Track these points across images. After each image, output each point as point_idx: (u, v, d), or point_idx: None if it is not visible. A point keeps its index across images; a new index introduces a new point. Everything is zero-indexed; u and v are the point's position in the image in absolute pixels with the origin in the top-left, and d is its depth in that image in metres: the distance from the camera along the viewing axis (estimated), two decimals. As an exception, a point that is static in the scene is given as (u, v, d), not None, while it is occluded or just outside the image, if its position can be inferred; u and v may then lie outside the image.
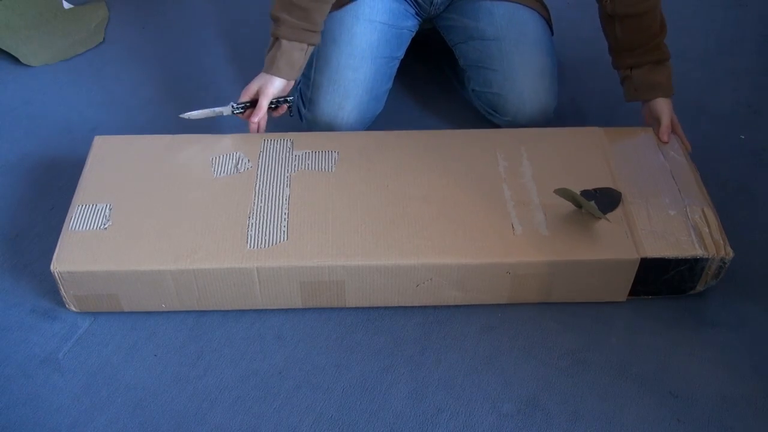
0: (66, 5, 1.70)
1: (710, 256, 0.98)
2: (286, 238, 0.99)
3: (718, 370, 0.97)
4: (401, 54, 1.30)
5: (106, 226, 1.01)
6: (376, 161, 1.10)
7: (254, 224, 1.01)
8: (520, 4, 1.26)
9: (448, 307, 1.04)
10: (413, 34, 1.32)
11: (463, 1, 1.29)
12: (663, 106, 1.15)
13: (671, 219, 1.02)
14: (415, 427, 0.91)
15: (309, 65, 1.23)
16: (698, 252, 0.98)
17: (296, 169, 1.09)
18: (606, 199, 1.04)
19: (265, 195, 1.05)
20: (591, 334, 1.01)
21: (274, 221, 1.01)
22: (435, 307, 1.04)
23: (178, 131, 1.18)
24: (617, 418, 0.91)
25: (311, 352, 0.99)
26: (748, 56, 1.53)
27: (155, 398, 0.94)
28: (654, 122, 1.17)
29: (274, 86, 1.13)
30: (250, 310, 1.04)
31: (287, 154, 1.11)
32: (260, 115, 1.13)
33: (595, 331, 1.02)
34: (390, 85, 1.28)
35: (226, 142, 1.14)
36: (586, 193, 1.04)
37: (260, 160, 1.10)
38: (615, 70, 1.20)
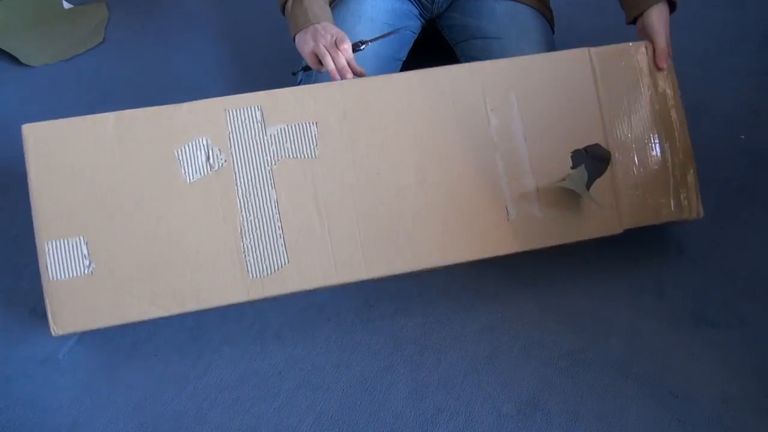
0: (66, 5, 1.70)
1: (684, 218, 1.07)
2: (287, 262, 0.96)
3: (718, 370, 0.97)
4: (403, 56, 1.30)
5: (90, 270, 0.93)
6: (360, 135, 1.00)
7: (250, 247, 0.96)
8: (522, 3, 1.26)
9: (448, 307, 1.04)
10: (416, 35, 1.32)
11: (465, 0, 1.29)
12: (655, 20, 1.06)
13: (654, 176, 1.07)
14: (415, 427, 0.91)
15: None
16: (674, 216, 1.06)
17: (276, 158, 0.98)
18: (596, 163, 1.04)
19: (251, 203, 0.96)
20: (591, 334, 1.01)
21: (269, 240, 0.96)
22: (435, 307, 1.04)
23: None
24: (617, 418, 0.91)
25: (311, 352, 0.99)
26: (748, 56, 1.53)
27: (155, 398, 0.94)
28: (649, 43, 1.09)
29: (334, 27, 1.07)
30: (250, 309, 1.04)
31: (260, 133, 0.98)
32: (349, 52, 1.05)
33: (595, 331, 1.02)
34: (391, 86, 1.28)
35: (181, 119, 0.97)
36: (576, 154, 1.04)
37: (232, 148, 0.97)
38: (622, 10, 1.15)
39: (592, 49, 1.07)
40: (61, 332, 0.92)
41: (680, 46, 1.49)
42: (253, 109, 0.98)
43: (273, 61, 1.54)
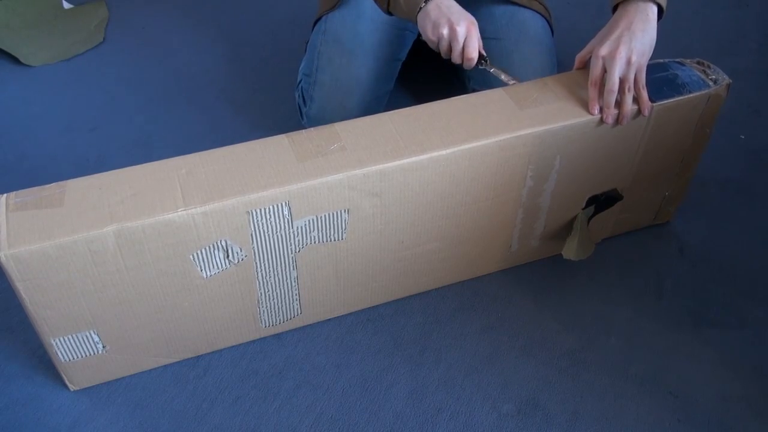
0: (66, 5, 1.70)
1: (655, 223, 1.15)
2: (299, 313, 0.99)
3: (718, 370, 0.97)
4: (403, 56, 1.30)
5: (104, 350, 0.91)
6: (392, 216, 0.92)
7: (265, 310, 0.96)
8: (520, 4, 1.26)
9: (448, 307, 1.04)
10: (416, 36, 1.32)
11: (463, 1, 1.29)
12: (612, 28, 0.94)
13: (644, 206, 1.11)
14: (415, 427, 0.91)
15: (311, 63, 1.23)
16: (646, 224, 1.14)
17: (301, 246, 0.90)
18: (605, 201, 1.05)
19: (270, 283, 0.93)
20: (591, 334, 1.01)
21: (284, 303, 0.97)
22: (435, 307, 1.04)
23: (177, 129, 1.17)
24: (617, 418, 0.91)
25: (311, 352, 0.99)
26: (748, 56, 1.53)
27: (155, 398, 0.94)
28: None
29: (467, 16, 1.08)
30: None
31: (285, 228, 0.87)
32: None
33: (595, 331, 1.02)
34: (391, 86, 1.29)
35: (196, 228, 0.82)
36: (592, 198, 1.04)
37: (254, 244, 0.86)
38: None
39: (656, 105, 0.95)
40: (78, 389, 0.95)
41: (680, 46, 1.50)
42: (280, 206, 0.84)
43: (272, 60, 1.54)
